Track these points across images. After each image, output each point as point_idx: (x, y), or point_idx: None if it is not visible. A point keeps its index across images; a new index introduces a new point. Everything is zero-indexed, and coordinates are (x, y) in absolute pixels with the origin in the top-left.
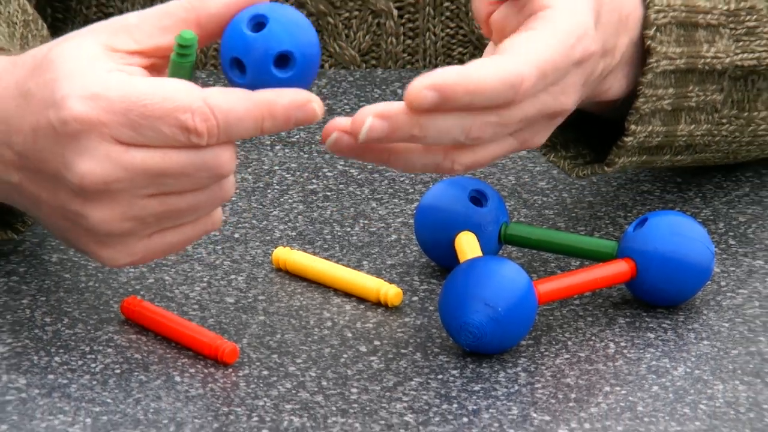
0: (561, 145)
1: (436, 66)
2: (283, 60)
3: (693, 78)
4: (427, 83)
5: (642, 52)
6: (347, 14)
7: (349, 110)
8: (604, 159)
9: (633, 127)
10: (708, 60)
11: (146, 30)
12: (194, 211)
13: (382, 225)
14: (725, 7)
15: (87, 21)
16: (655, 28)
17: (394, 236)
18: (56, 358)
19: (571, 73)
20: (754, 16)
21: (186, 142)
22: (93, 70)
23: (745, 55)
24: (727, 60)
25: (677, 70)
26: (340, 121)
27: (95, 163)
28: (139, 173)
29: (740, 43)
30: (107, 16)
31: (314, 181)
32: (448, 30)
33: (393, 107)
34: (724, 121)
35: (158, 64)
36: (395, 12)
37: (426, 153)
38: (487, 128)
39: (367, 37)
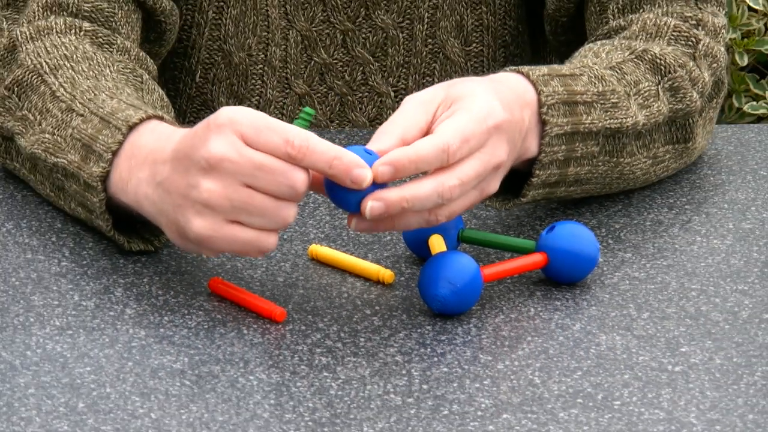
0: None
1: None
2: None
3: (577, 137)
4: (382, 161)
5: (541, 122)
6: (360, 95)
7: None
8: (518, 195)
9: (537, 171)
10: (587, 125)
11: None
12: (265, 216)
13: None
14: (595, 90)
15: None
16: (546, 106)
17: (388, 237)
18: (165, 318)
19: (492, 136)
20: (615, 96)
21: (285, 150)
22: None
23: (612, 120)
24: (600, 124)
25: (565, 133)
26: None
27: (222, 144)
28: (247, 162)
29: (608, 113)
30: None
31: None
32: None
33: (383, 193)
34: (600, 164)
35: None
36: (392, 93)
37: (416, 215)
38: (455, 190)
39: (373, 110)
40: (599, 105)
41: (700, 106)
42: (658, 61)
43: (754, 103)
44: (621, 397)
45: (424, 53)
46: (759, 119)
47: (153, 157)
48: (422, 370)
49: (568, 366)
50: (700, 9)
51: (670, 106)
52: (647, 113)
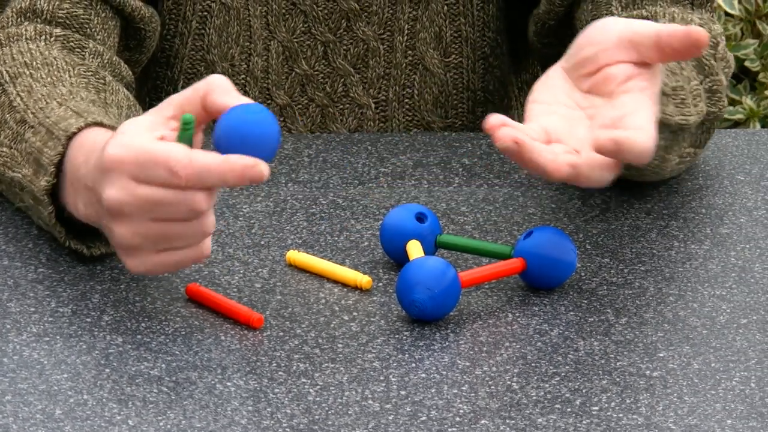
0: None
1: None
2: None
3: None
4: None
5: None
6: (341, 106)
7: (346, 155)
8: None
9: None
10: (666, 116)
11: (184, 105)
12: (184, 238)
13: (358, 236)
14: (671, 84)
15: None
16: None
17: (366, 243)
18: (142, 324)
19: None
20: (684, 92)
21: (173, 183)
22: (131, 133)
23: (680, 117)
24: (672, 120)
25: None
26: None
27: (115, 190)
28: (143, 201)
29: (678, 109)
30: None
31: (313, 206)
32: (406, 118)
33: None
34: (655, 159)
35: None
36: (373, 105)
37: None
38: None
39: (354, 121)
40: (671, 100)
41: (725, 112)
42: (704, 60)
43: (731, 108)
44: (599, 402)
45: (404, 65)
46: (736, 124)
47: (82, 182)
48: (400, 376)
49: (546, 371)
50: (699, 17)
51: (707, 108)
52: (697, 111)
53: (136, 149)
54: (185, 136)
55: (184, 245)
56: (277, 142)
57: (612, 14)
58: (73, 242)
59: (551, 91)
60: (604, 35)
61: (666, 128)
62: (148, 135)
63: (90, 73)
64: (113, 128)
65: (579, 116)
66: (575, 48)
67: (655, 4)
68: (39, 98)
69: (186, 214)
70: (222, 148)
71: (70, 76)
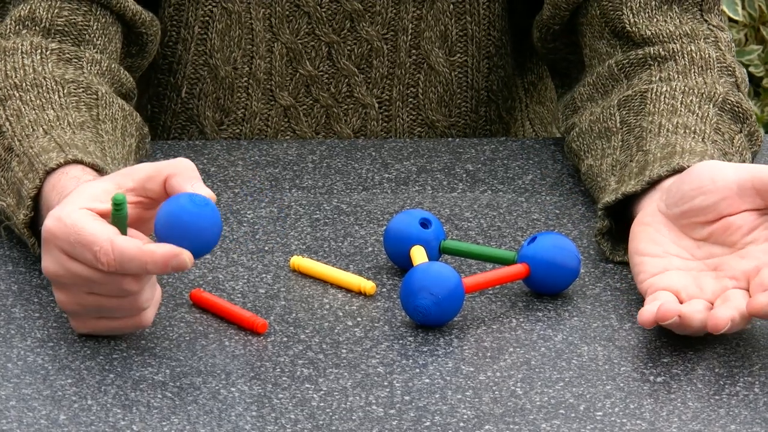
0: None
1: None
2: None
3: None
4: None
5: None
6: (345, 107)
7: (351, 161)
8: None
9: None
10: None
11: (145, 182)
12: (120, 310)
13: (362, 241)
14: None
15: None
16: None
17: (370, 248)
18: (146, 330)
19: None
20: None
21: (98, 268)
22: (74, 204)
23: None
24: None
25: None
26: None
27: (51, 262)
28: (76, 277)
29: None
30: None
31: (317, 212)
32: (411, 117)
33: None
34: None
35: (144, 201)
36: (376, 105)
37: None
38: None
39: (358, 121)
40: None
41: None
42: (737, 109)
43: None
44: (603, 407)
45: (408, 64)
46: None
47: (49, 232)
48: (404, 381)
49: (550, 377)
50: (707, 21)
51: (750, 151)
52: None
53: (68, 226)
54: (117, 216)
55: (121, 315)
56: (216, 237)
57: (624, 24)
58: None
59: (658, 243)
60: (720, 183)
61: None
62: (85, 211)
63: (81, 90)
64: (92, 165)
65: (699, 267)
66: (680, 195)
67: (666, 14)
68: (26, 124)
69: (117, 292)
70: (158, 234)
71: (59, 97)
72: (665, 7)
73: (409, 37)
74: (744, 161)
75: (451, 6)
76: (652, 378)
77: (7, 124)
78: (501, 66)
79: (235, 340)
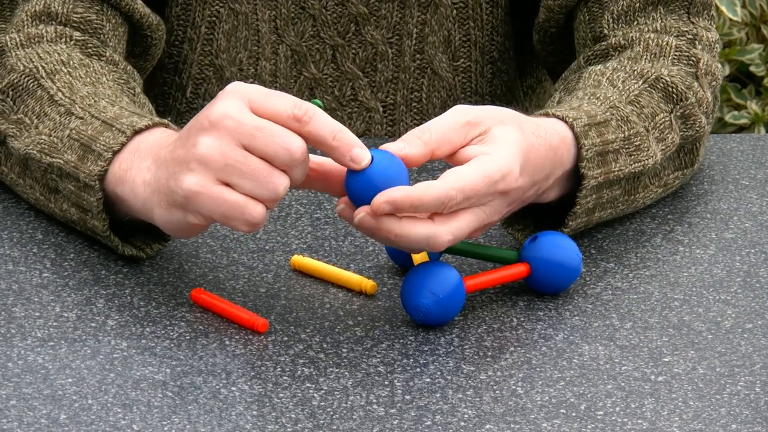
0: (512, 221)
1: None
2: None
3: (605, 185)
4: (383, 198)
5: (574, 174)
6: (349, 110)
7: None
8: (538, 225)
9: (570, 222)
10: (615, 173)
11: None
12: (257, 179)
13: (363, 240)
14: (622, 135)
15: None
16: (586, 160)
17: (371, 248)
18: (147, 329)
19: (496, 199)
20: (639, 138)
21: (291, 112)
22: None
23: (636, 164)
24: (626, 170)
25: (598, 183)
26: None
27: (227, 104)
28: (248, 120)
29: (632, 157)
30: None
31: (318, 211)
32: (414, 121)
33: (381, 218)
34: (620, 204)
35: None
36: (381, 108)
37: (418, 222)
38: (446, 242)
39: (362, 125)
40: (624, 150)
41: (707, 130)
42: (671, 89)
43: (736, 112)
44: (604, 407)
45: (413, 68)
46: (741, 129)
47: (159, 146)
48: (405, 380)
49: (551, 376)
50: (693, 23)
51: (682, 133)
52: (663, 147)
53: (263, 88)
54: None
55: (250, 190)
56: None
57: (602, 29)
58: (111, 235)
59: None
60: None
61: (617, 182)
62: None
63: (122, 81)
64: (177, 131)
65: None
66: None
67: (648, 17)
68: (85, 95)
69: (278, 151)
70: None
71: (107, 80)
72: (650, 8)
73: (414, 41)
74: (665, 140)
75: (454, 11)
76: (653, 377)
77: (60, 94)
78: (504, 70)
79: (236, 339)
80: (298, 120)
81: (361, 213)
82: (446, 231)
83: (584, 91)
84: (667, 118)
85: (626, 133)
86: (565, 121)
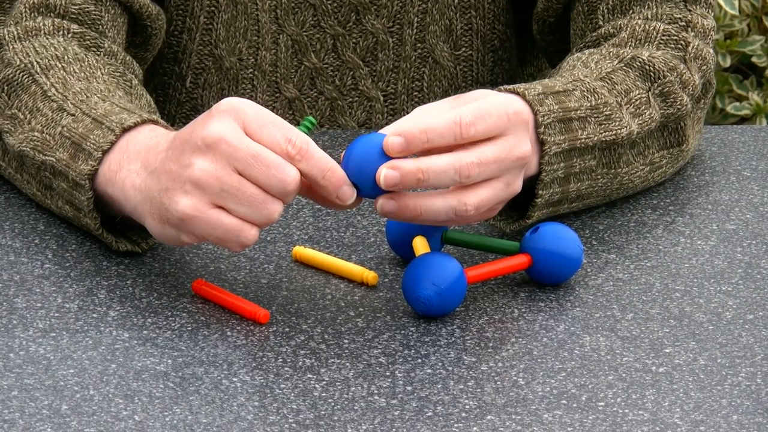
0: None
1: None
2: None
3: (575, 153)
4: (393, 131)
5: (539, 142)
6: (350, 99)
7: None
8: (523, 215)
9: (540, 191)
10: (583, 140)
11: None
12: (252, 205)
13: (365, 231)
14: (588, 104)
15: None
16: (543, 126)
17: (372, 239)
18: (148, 320)
19: (514, 124)
20: (608, 108)
21: (285, 147)
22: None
23: (607, 133)
24: (595, 138)
25: (563, 150)
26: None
27: (223, 126)
28: (244, 147)
29: (602, 126)
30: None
31: None
32: None
33: (399, 162)
34: (599, 177)
35: None
36: (382, 98)
37: (442, 199)
38: (473, 168)
39: (363, 114)
40: (593, 119)
41: (690, 109)
42: (647, 67)
43: (738, 104)
44: (605, 398)
45: (414, 57)
46: (742, 120)
47: (147, 149)
48: (406, 371)
49: (552, 367)
50: (689, 11)
51: (662, 111)
52: (640, 121)
53: (259, 107)
54: (301, 131)
55: (244, 215)
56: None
57: (597, 20)
58: (104, 232)
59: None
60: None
61: (588, 150)
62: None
63: (118, 74)
64: (168, 128)
65: None
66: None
67: (643, 5)
68: (78, 91)
69: (272, 182)
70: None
71: (101, 74)
72: None
73: (415, 30)
74: (641, 115)
75: (456, 0)
76: (654, 368)
77: (53, 90)
78: (505, 59)
79: (237, 330)
80: (290, 157)
81: (381, 200)
82: (471, 155)
83: (558, 74)
84: (644, 95)
85: (593, 102)
86: (516, 93)
